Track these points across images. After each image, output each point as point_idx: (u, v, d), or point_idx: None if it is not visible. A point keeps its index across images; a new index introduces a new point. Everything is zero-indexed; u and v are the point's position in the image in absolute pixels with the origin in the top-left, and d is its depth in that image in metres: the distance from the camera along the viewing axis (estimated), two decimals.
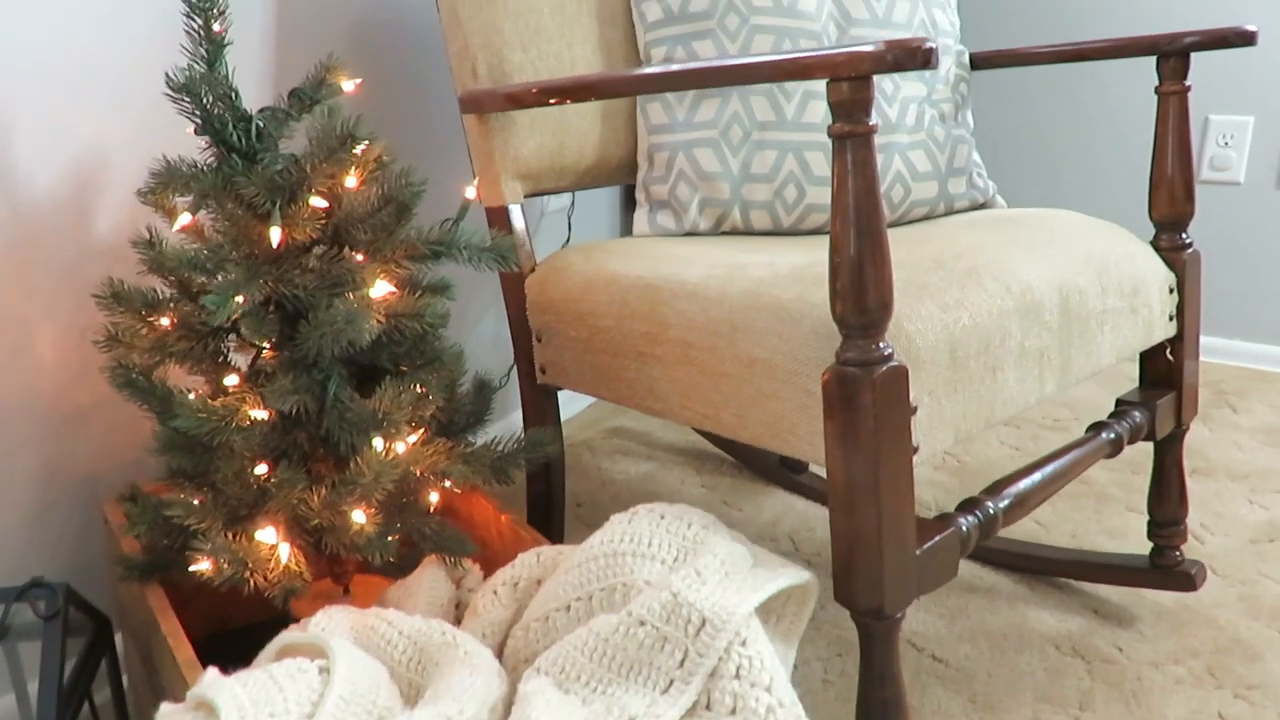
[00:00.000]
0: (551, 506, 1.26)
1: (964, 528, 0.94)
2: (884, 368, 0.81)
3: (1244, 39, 1.14)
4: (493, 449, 1.06)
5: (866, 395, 0.81)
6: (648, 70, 0.94)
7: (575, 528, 1.54)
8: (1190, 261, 1.21)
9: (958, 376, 0.90)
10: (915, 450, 0.87)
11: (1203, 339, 2.30)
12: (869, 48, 0.74)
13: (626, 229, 1.63)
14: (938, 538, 0.90)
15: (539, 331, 1.18)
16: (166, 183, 0.91)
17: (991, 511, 0.97)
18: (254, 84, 1.21)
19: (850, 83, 0.76)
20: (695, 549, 0.83)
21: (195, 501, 0.91)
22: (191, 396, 0.89)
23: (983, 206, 1.32)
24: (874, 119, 0.78)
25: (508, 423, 1.78)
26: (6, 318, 1.03)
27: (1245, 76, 2.13)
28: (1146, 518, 1.37)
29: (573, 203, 1.83)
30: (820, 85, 1.22)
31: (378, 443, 0.90)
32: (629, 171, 1.32)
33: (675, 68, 0.91)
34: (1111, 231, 1.17)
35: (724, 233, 1.24)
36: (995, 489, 1.00)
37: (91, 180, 1.08)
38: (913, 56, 0.73)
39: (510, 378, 1.75)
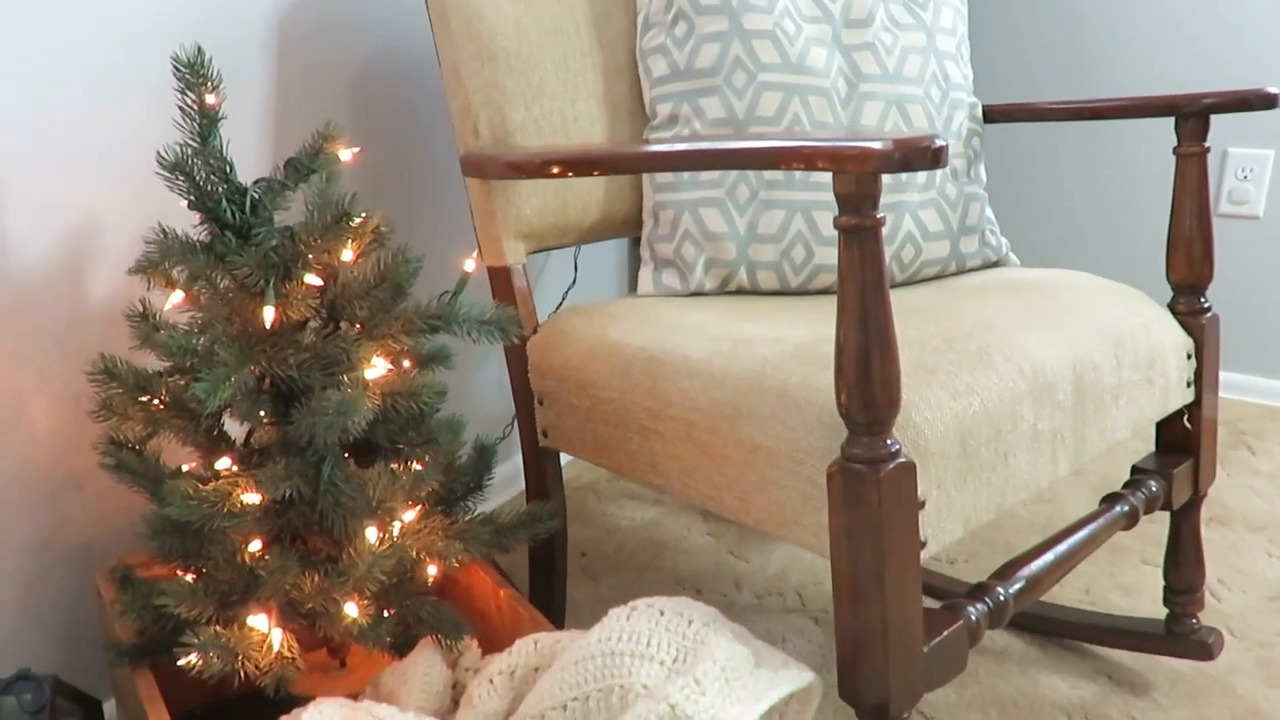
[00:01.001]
0: (554, 573, 1.24)
1: (973, 617, 0.91)
2: (891, 465, 0.79)
3: (1266, 101, 1.11)
4: (491, 522, 1.04)
5: (872, 493, 0.78)
6: (652, 149, 0.91)
7: (579, 580, 1.52)
8: (1209, 326, 1.18)
9: (968, 466, 0.87)
10: (923, 545, 0.84)
11: (1220, 374, 2.26)
12: (876, 145, 0.71)
13: (635, 265, 1.61)
14: (946, 632, 0.87)
15: (541, 395, 1.16)
16: (158, 261, 0.90)
17: (1002, 598, 0.94)
18: (252, 147, 1.19)
19: (858, 176, 0.74)
20: (695, 649, 0.81)
21: (186, 585, 0.89)
22: (182, 483, 0.87)
23: (995, 265, 1.29)
24: (880, 211, 0.76)
25: (510, 465, 1.76)
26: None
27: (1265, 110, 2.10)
28: (1162, 570, 1.34)
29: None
30: None
31: (371, 533, 0.88)
32: (634, 225, 1.30)
33: (680, 148, 0.88)
34: (1127, 297, 1.14)
35: (730, 292, 1.22)
36: (1006, 572, 0.97)
37: (85, 248, 1.06)
38: (922, 156, 0.70)
39: (512, 427, 1.73)
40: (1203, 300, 1.18)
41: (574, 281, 1.74)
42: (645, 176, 1.24)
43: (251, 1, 1.17)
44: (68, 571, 1.09)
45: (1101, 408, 1.03)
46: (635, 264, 1.60)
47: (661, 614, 0.84)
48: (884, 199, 1.20)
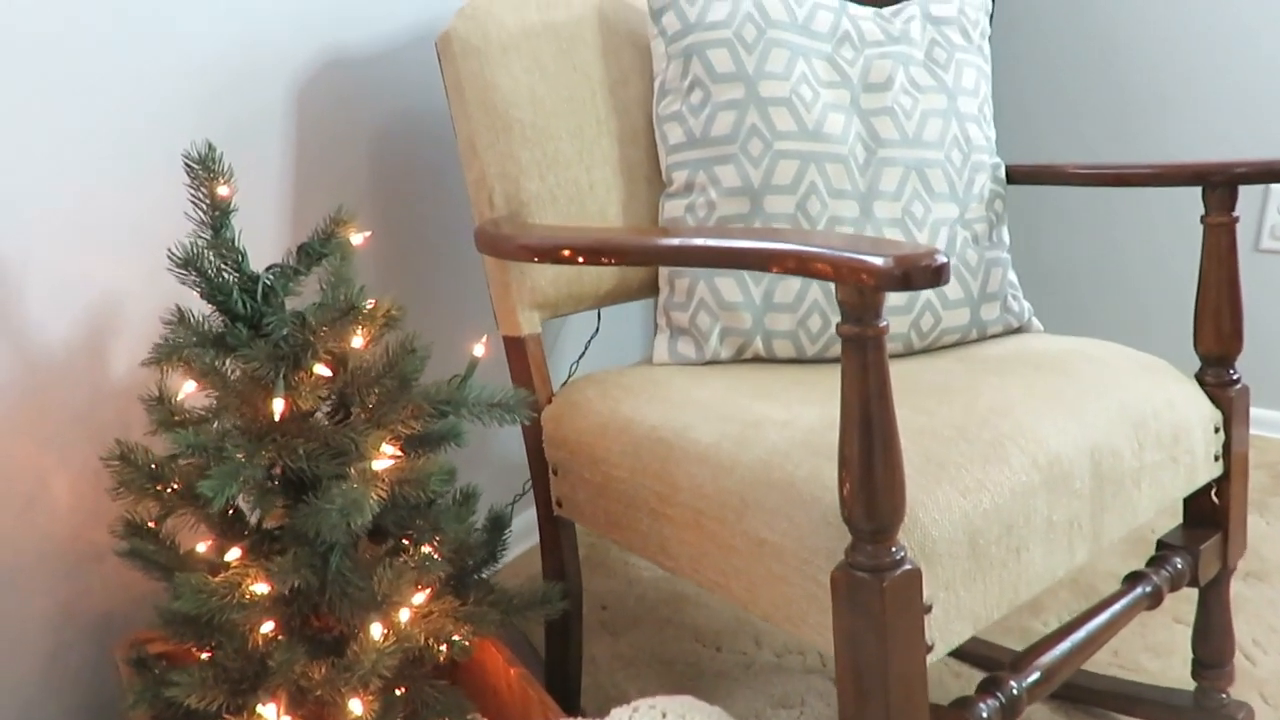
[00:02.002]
0: (569, 639, 1.24)
1: (984, 714, 0.90)
2: (895, 573, 0.78)
3: None
4: (502, 602, 1.04)
5: (876, 601, 0.77)
6: (659, 244, 0.91)
7: (598, 635, 1.52)
8: (1238, 399, 1.15)
9: (977, 566, 0.86)
10: (929, 649, 0.83)
11: (1259, 412, 2.21)
12: (878, 261, 0.70)
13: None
14: None
15: (555, 465, 1.16)
16: (169, 354, 0.91)
17: (1015, 692, 0.92)
18: (271, 216, 1.20)
19: (858, 286, 0.73)
20: None
21: (197, 675, 0.90)
22: (193, 576, 0.88)
23: (1018, 331, 1.27)
24: (884, 320, 0.75)
25: (528, 516, 1.76)
26: (20, 470, 1.03)
27: None
28: (1193, 628, 1.30)
29: None
30: (847, 212, 1.18)
31: (376, 629, 0.88)
32: (650, 290, 1.29)
33: (686, 244, 0.87)
34: (1150, 371, 1.12)
35: (746, 360, 1.21)
36: (1021, 664, 0.95)
37: (105, 324, 1.08)
38: (924, 275, 0.69)
39: (525, 493, 1.72)
40: (1231, 372, 1.15)
41: (596, 331, 1.74)
42: None
43: (270, 73, 1.18)
44: (87, 644, 1.11)
45: (1122, 492, 1.01)
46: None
47: (664, 716, 0.83)
48: None
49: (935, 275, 0.69)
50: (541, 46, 1.19)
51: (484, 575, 1.11)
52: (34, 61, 0.97)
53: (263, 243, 1.20)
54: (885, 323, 0.75)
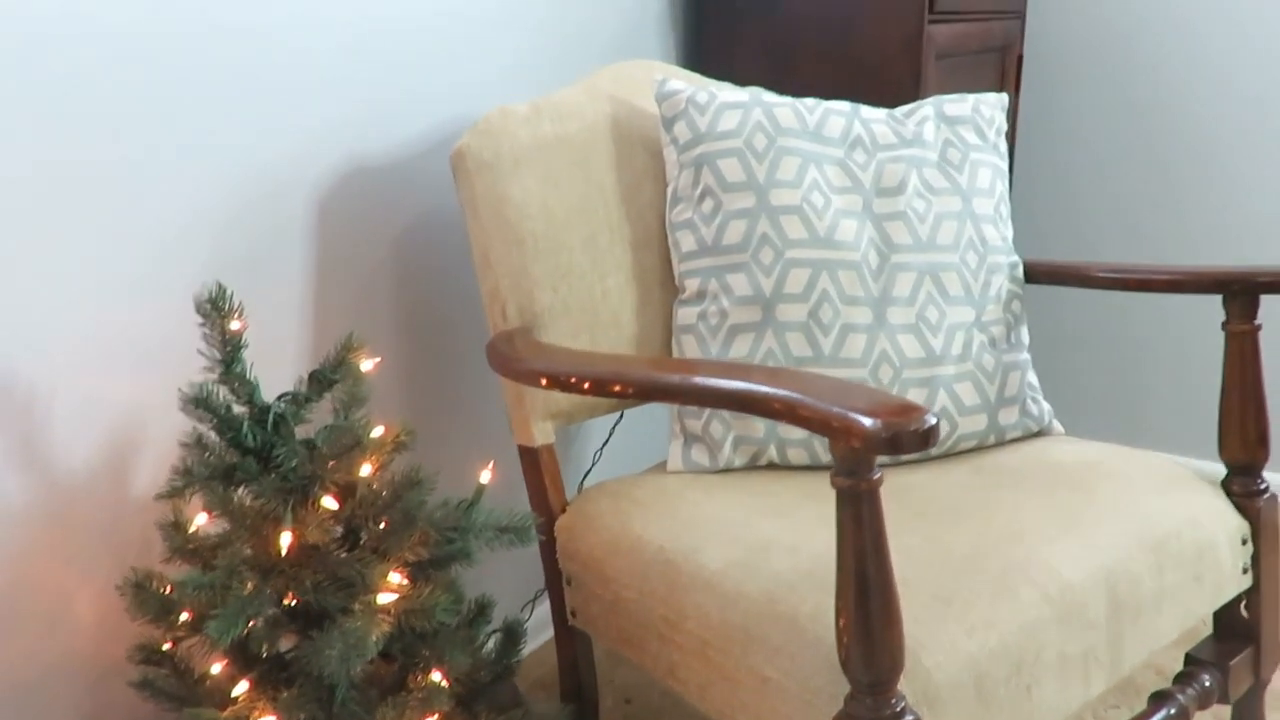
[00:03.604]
0: None
1: None
2: None
3: None
4: None
5: None
6: (668, 381, 0.91)
7: None
8: (1266, 508, 1.12)
9: (985, 709, 0.84)
10: None
11: None
12: (867, 423, 0.69)
13: None
14: None
15: (569, 576, 1.16)
16: (181, 489, 0.93)
17: None
18: (293, 329, 1.22)
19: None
20: None
21: None
22: (202, 712, 0.89)
23: (1038, 434, 1.25)
24: (877, 472, 0.74)
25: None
26: (44, 589, 1.05)
27: None
28: None
29: None
30: (860, 319, 1.18)
31: None
32: None
33: (697, 381, 0.88)
34: (1173, 484, 1.09)
35: (760, 467, 1.20)
36: None
37: (128, 442, 1.10)
38: (912, 439, 0.68)
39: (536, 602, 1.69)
40: (1259, 482, 1.12)
41: (608, 439, 1.73)
42: (675, 351, 1.23)
43: (291, 186, 1.20)
44: None
45: (1141, 617, 0.98)
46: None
47: None
48: (917, 373, 1.18)
49: (923, 440, 0.68)
50: (554, 158, 1.20)
51: (497, 687, 1.11)
52: (58, 186, 1.00)
53: (282, 355, 1.22)
54: (879, 474, 0.75)
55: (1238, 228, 2.08)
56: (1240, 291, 1.09)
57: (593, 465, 1.68)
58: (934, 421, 0.69)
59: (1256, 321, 1.10)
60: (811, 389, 0.77)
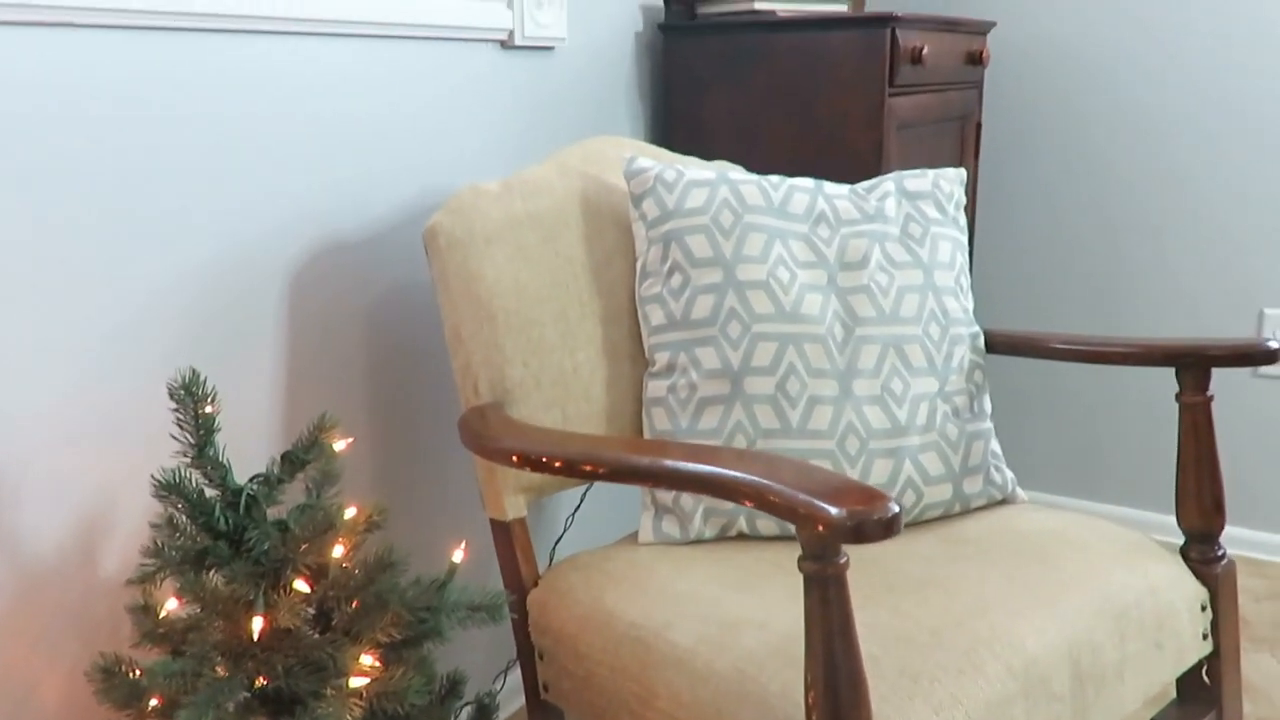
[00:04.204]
0: None
1: None
2: None
3: (1268, 357, 1.10)
4: None
5: None
6: (637, 463, 0.93)
7: None
8: (1224, 575, 1.14)
9: None
10: None
11: (1267, 535, 2.18)
12: (832, 511, 0.71)
13: None
14: None
15: (541, 651, 1.16)
16: (152, 574, 0.93)
17: None
18: (263, 418, 1.23)
19: None
20: None
21: None
22: None
23: (1002, 502, 1.27)
24: (843, 557, 0.76)
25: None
26: (10, 674, 1.04)
27: None
28: None
29: None
30: (827, 391, 1.20)
31: None
32: None
33: (667, 464, 0.90)
34: (1133, 554, 1.12)
35: (731, 538, 1.21)
36: None
37: (97, 523, 1.10)
38: (877, 528, 0.70)
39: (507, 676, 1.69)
40: (1217, 549, 1.15)
41: (578, 507, 1.74)
42: (645, 423, 1.25)
43: (265, 265, 1.21)
44: None
45: (1105, 687, 1.00)
46: None
47: None
48: (883, 444, 1.20)
49: (887, 529, 0.70)
50: (525, 235, 1.23)
51: None
52: (31, 265, 1.01)
53: (255, 434, 1.23)
54: (845, 559, 0.76)
55: (1192, 297, 2.14)
56: (1192, 364, 1.12)
57: (564, 531, 1.68)
58: (897, 510, 0.71)
59: (1209, 393, 1.13)
60: (780, 474, 0.79)
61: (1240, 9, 1.99)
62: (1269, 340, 1.10)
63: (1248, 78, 2.00)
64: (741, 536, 1.22)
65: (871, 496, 0.72)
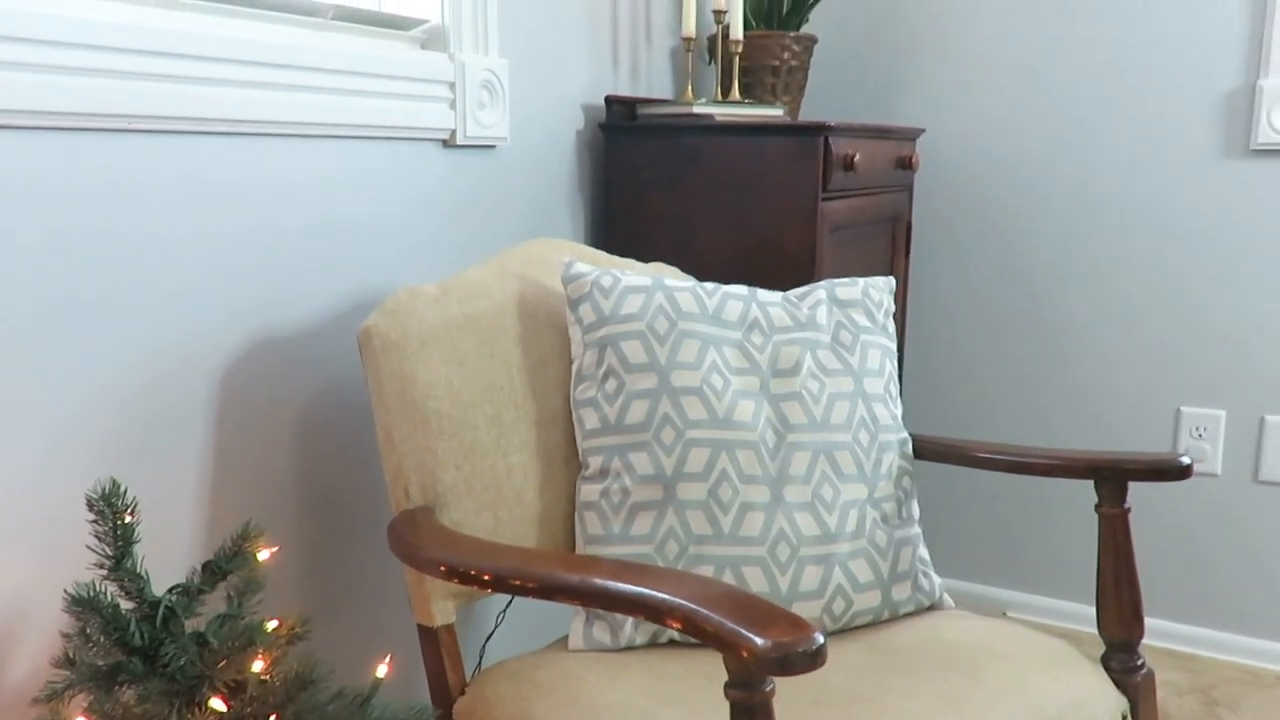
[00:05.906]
0: None
1: None
2: None
3: (1180, 472, 1.14)
4: None
5: None
6: (567, 581, 0.92)
7: None
8: (1144, 684, 1.17)
9: None
10: None
11: (1189, 628, 2.23)
12: (760, 642, 0.72)
13: None
14: None
15: None
16: (61, 691, 0.89)
17: None
18: (188, 517, 1.20)
19: None
20: None
21: None
22: None
23: (930, 608, 1.29)
24: (769, 684, 0.76)
25: None
26: None
27: (1213, 369, 2.13)
28: None
29: None
30: (759, 497, 1.21)
31: None
32: None
33: (597, 583, 0.89)
34: (1057, 665, 1.13)
35: (662, 644, 1.21)
36: None
37: (4, 633, 1.06)
38: (801, 660, 0.71)
39: None
40: (1137, 659, 1.17)
41: (509, 603, 1.72)
42: (578, 527, 1.25)
43: (198, 360, 1.20)
44: None
45: None
46: None
47: None
48: (814, 550, 1.21)
49: (812, 660, 0.71)
50: (462, 338, 1.23)
51: None
52: None
53: (177, 541, 1.19)
54: (771, 687, 0.76)
55: (1114, 396, 2.21)
56: (1110, 477, 1.16)
57: (495, 628, 1.66)
58: (822, 642, 0.71)
59: (1126, 505, 1.17)
60: (708, 600, 0.79)
61: (1149, 119, 2.09)
62: (1182, 456, 1.14)
63: (1166, 184, 2.10)
64: (673, 644, 1.21)
65: (798, 626, 0.73)
